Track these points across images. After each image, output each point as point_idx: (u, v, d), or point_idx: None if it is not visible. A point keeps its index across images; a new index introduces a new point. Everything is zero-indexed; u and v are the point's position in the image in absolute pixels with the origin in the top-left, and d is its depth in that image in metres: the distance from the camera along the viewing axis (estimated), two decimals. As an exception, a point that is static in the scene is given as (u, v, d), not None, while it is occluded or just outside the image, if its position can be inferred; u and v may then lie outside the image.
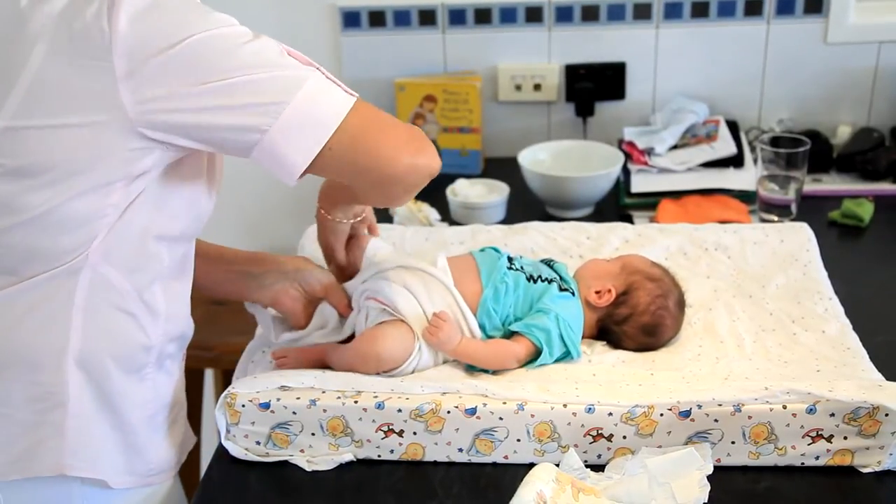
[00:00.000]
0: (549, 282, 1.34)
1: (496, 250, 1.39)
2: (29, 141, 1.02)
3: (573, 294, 1.35)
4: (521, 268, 1.36)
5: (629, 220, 1.82)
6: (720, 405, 1.14)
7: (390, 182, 1.10)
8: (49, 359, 1.09)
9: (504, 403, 1.17)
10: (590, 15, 2.08)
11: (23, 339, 1.08)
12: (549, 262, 1.42)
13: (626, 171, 1.93)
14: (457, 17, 2.09)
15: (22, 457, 1.10)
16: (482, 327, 1.31)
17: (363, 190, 1.16)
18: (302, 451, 1.21)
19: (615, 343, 1.37)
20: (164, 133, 1.03)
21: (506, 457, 1.19)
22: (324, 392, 1.19)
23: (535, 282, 1.34)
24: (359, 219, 1.38)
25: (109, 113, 1.00)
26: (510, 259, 1.37)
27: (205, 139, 1.05)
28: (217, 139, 1.04)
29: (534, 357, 1.28)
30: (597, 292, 1.37)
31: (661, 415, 1.15)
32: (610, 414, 1.15)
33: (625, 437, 1.16)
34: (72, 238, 1.06)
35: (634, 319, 1.35)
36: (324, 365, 1.28)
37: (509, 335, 1.31)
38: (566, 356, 1.30)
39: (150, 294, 1.14)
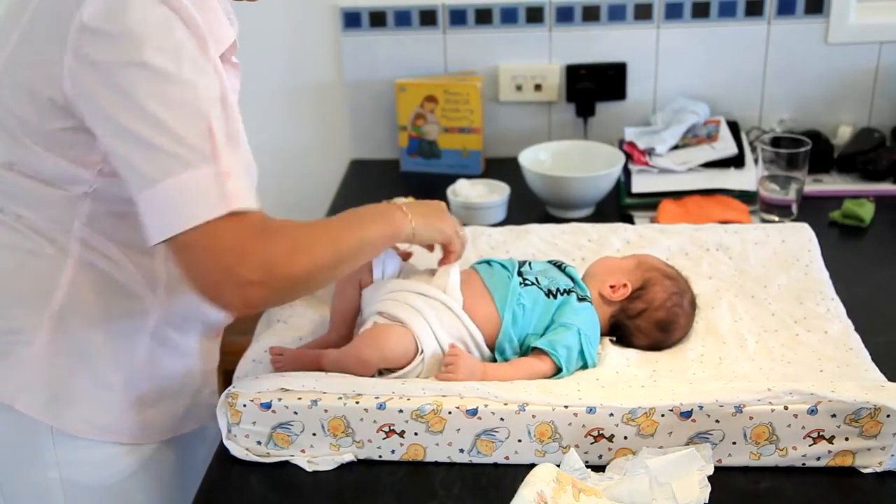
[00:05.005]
0: (568, 293, 1.34)
1: (504, 266, 1.37)
2: (13, 88, 1.11)
3: (590, 301, 1.35)
4: (536, 280, 1.35)
5: (630, 220, 1.82)
6: (721, 406, 1.14)
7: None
8: (30, 300, 1.17)
9: (505, 405, 1.17)
10: (590, 15, 2.08)
11: (12, 280, 1.18)
12: (559, 265, 1.42)
13: (626, 172, 1.93)
14: (457, 17, 2.09)
15: None
16: (502, 352, 1.30)
17: None
18: (303, 451, 1.21)
19: (626, 339, 1.37)
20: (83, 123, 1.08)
21: (507, 457, 1.19)
22: (325, 392, 1.19)
23: (554, 296, 1.33)
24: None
25: (55, 82, 1.06)
26: (521, 272, 1.36)
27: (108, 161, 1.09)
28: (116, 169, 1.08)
29: (554, 373, 1.28)
30: (611, 286, 1.37)
31: (663, 415, 1.15)
32: (611, 414, 1.15)
33: (626, 438, 1.16)
34: (55, 193, 1.14)
35: (649, 314, 1.35)
36: (319, 369, 1.27)
37: (527, 349, 1.31)
38: (582, 367, 1.30)
39: (147, 267, 1.20)
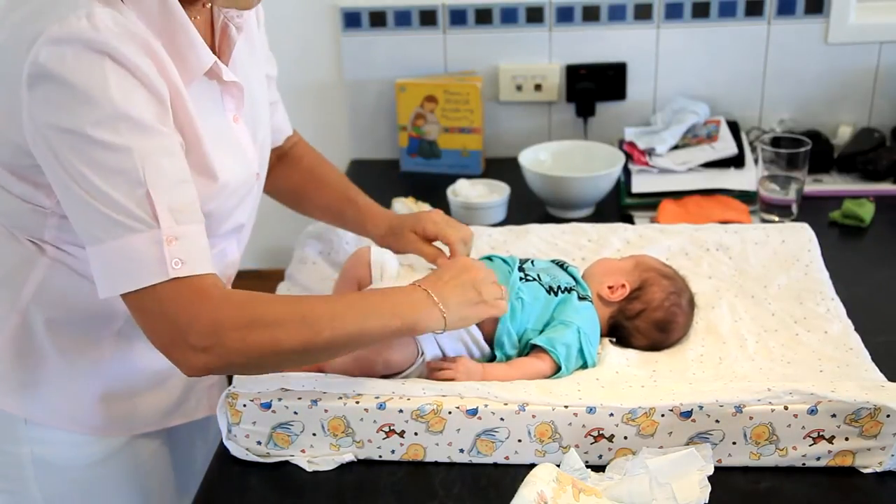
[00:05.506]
0: (569, 291, 1.34)
1: (505, 261, 1.37)
2: None
3: (591, 301, 1.35)
4: (538, 276, 1.35)
5: (630, 220, 1.82)
6: (721, 406, 1.14)
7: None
8: (2, 292, 1.20)
9: (505, 405, 1.17)
10: (591, 15, 2.07)
11: None
12: (561, 264, 1.42)
13: (626, 172, 1.93)
14: (457, 17, 2.09)
15: None
16: (500, 345, 1.30)
17: None
18: (303, 451, 1.21)
19: (625, 340, 1.37)
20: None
21: (507, 457, 1.19)
22: (325, 392, 1.19)
23: (555, 293, 1.33)
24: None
25: (19, 130, 1.05)
26: (522, 268, 1.36)
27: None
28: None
29: (553, 371, 1.28)
30: (609, 287, 1.37)
31: (662, 415, 1.15)
32: (611, 414, 1.15)
33: (626, 438, 1.16)
34: (25, 205, 1.15)
35: (647, 314, 1.35)
36: (320, 370, 1.27)
37: (526, 345, 1.31)
38: (582, 366, 1.30)
39: None
